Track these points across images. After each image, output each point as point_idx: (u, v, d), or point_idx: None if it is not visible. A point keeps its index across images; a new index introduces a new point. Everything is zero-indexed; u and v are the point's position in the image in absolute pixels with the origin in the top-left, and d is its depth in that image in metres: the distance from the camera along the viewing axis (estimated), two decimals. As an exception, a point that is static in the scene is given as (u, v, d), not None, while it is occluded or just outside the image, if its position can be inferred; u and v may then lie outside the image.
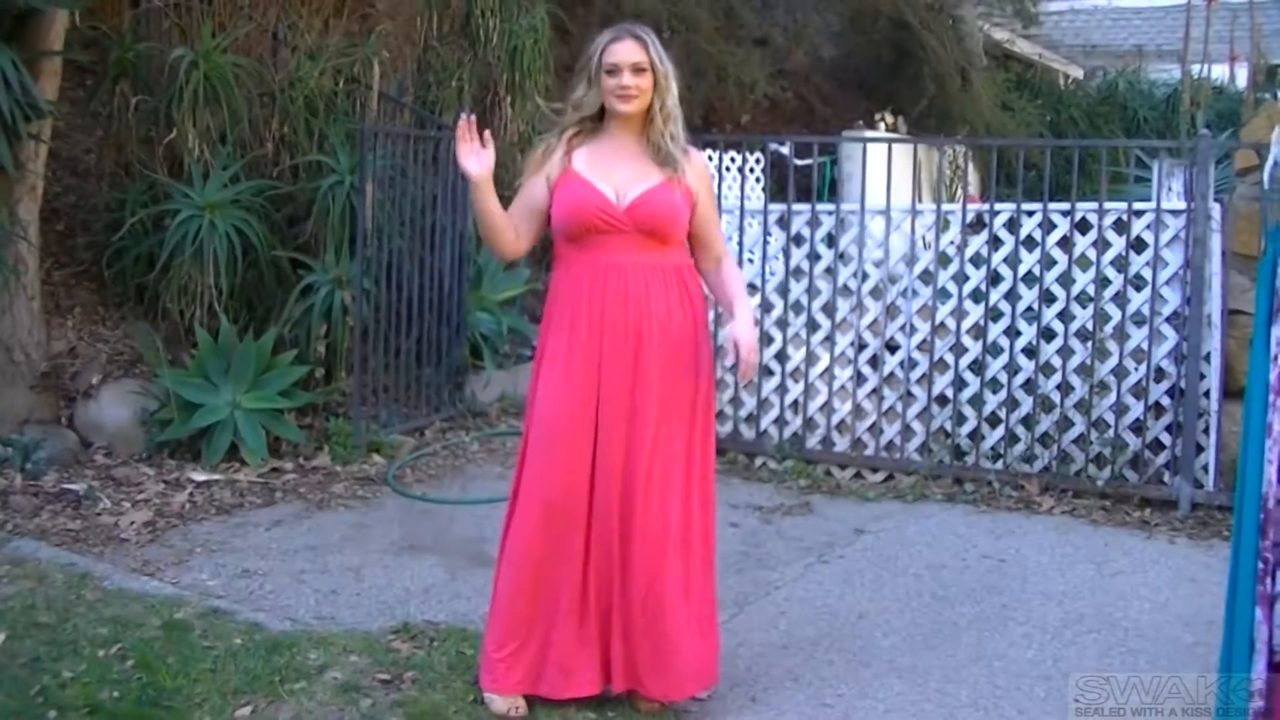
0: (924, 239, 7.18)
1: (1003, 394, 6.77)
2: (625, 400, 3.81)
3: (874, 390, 7.05)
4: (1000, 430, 6.79)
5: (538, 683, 3.90)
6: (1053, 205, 6.76)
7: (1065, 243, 6.69)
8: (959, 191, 12.63)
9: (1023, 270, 6.77)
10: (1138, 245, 6.59)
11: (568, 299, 3.87)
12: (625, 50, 3.83)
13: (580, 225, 3.84)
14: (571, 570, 3.85)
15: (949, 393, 6.89)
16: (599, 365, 3.82)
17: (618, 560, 3.84)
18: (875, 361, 7.05)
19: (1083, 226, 6.69)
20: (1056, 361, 6.69)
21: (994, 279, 6.84)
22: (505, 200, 3.94)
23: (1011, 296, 6.78)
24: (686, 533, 3.92)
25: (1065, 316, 6.67)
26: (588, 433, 3.81)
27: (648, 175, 3.87)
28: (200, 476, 6.48)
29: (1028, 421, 6.75)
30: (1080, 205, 6.71)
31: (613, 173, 3.87)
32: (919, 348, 6.97)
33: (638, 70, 3.82)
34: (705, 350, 3.96)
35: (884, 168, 6.96)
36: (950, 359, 6.89)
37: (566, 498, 3.81)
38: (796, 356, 7.21)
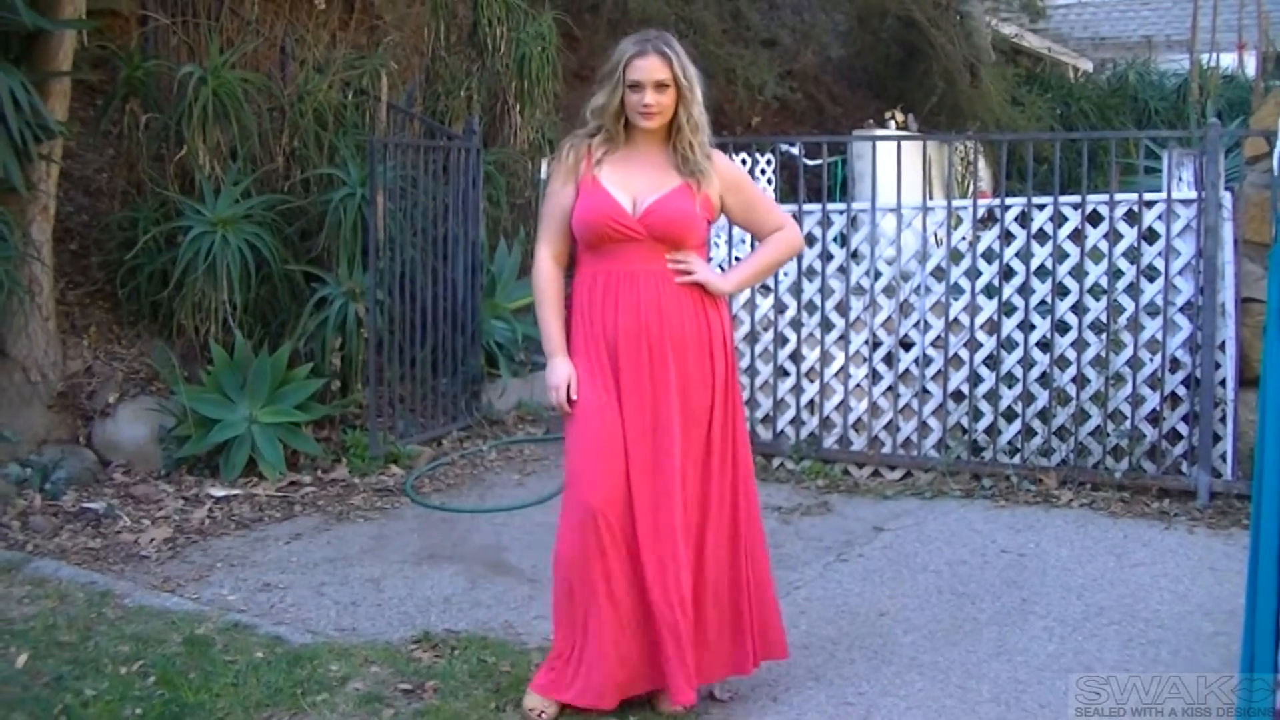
0: (936, 235, 7.17)
1: (1018, 388, 6.76)
2: (648, 405, 3.81)
3: (889, 388, 7.04)
4: (1017, 425, 6.78)
5: (585, 693, 3.84)
6: (1064, 198, 6.74)
7: (1077, 235, 6.68)
8: (970, 187, 12.59)
9: (1035, 264, 6.76)
10: (1149, 236, 6.57)
11: (586, 307, 3.89)
12: (648, 67, 3.79)
13: (595, 234, 3.85)
14: (609, 576, 3.79)
15: (964, 388, 6.88)
16: (617, 372, 3.83)
17: (657, 563, 3.80)
18: (890, 359, 7.04)
19: (1094, 219, 6.68)
20: (1071, 354, 6.67)
21: (1007, 274, 6.82)
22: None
23: (1024, 291, 6.76)
24: (728, 532, 3.94)
25: (1079, 309, 6.66)
26: (619, 437, 3.80)
27: (665, 182, 3.87)
28: (219, 492, 6.51)
29: (1044, 415, 6.73)
30: (1091, 197, 6.70)
31: (632, 181, 3.87)
32: (933, 344, 6.96)
33: (660, 87, 3.80)
34: (726, 354, 3.96)
35: (894, 166, 6.95)
36: (965, 355, 6.87)
37: (605, 502, 3.77)
38: (811, 356, 7.20)
